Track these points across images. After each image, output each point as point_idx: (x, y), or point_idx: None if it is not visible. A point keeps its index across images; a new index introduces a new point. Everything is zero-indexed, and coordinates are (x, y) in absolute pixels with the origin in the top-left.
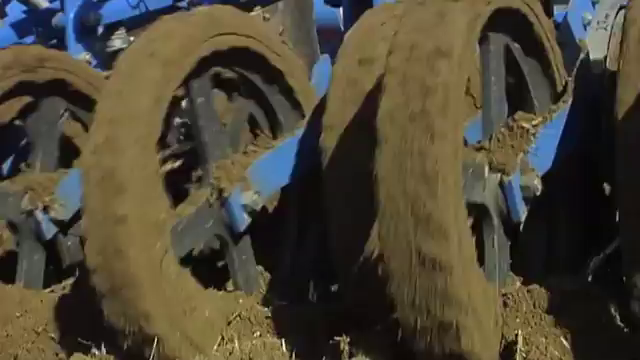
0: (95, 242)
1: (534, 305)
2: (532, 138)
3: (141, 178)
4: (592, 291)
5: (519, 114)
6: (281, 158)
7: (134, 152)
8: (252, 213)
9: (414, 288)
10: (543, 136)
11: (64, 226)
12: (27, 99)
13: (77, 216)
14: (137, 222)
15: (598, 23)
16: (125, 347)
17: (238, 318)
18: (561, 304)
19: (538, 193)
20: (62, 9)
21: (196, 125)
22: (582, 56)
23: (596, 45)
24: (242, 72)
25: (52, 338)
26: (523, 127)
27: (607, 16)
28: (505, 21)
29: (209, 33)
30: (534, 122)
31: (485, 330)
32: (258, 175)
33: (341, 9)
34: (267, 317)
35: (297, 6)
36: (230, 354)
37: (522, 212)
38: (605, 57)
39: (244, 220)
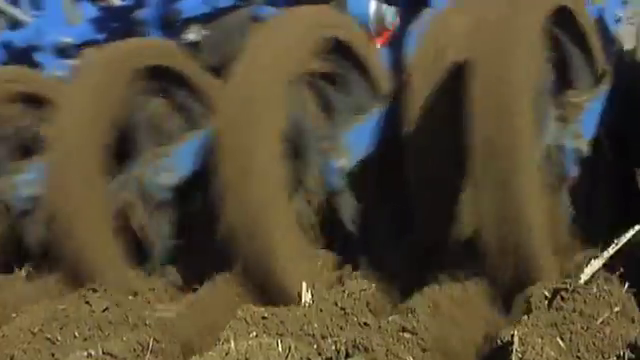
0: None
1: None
2: (580, 111)
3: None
4: (588, 290)
5: (569, 92)
6: (367, 129)
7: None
8: (344, 174)
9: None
10: (589, 109)
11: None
12: None
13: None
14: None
15: (628, 19)
16: None
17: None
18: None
19: (585, 155)
20: (140, 6)
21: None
22: (615, 47)
23: (627, 38)
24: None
25: (48, 339)
26: (573, 102)
27: (635, 13)
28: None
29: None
30: (582, 98)
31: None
32: (349, 144)
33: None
34: (263, 317)
35: None
36: (226, 354)
37: (574, 171)
38: (635, 48)
39: (339, 182)
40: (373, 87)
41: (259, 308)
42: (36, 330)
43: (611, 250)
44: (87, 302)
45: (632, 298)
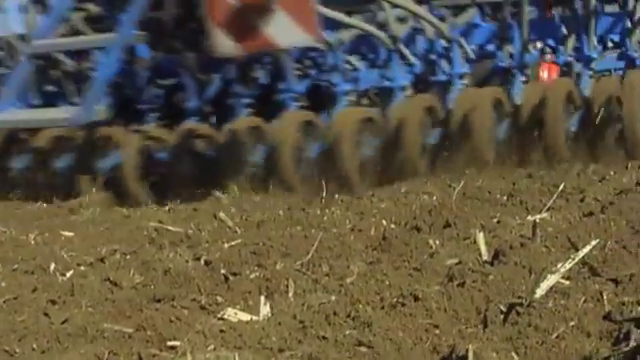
0: None
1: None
2: None
3: None
4: (544, 304)
5: None
6: None
7: None
8: None
9: None
10: None
11: None
12: None
13: None
14: None
15: None
16: None
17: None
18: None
19: None
20: None
21: None
22: None
23: None
24: None
25: (6, 351)
26: None
27: None
28: None
29: None
30: None
31: None
32: None
33: None
34: (221, 330)
35: None
36: None
37: None
38: None
39: None
40: None
41: (217, 321)
42: None
43: (567, 265)
44: (45, 314)
45: (588, 312)
